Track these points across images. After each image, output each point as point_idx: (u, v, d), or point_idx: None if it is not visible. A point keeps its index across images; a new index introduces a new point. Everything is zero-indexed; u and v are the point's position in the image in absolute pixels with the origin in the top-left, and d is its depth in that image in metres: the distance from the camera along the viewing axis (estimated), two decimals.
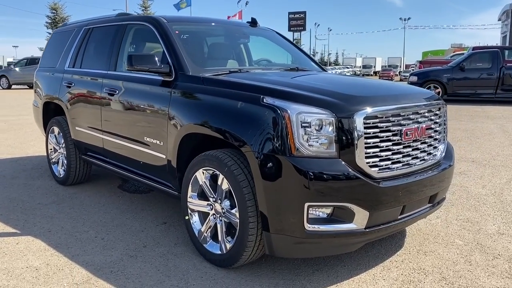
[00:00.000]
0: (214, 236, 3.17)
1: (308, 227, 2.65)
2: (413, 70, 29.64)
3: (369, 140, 2.72)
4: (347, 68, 71.80)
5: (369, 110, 2.71)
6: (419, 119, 3.02)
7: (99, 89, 4.27)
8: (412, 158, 3.00)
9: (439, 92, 15.55)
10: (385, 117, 2.79)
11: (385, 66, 79.55)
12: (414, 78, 16.05)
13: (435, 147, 3.24)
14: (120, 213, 4.26)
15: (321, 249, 2.85)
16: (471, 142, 8.13)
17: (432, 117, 3.17)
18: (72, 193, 4.90)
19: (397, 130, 2.85)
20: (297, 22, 78.03)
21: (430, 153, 3.17)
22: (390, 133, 2.81)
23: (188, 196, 3.28)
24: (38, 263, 3.18)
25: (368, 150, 2.72)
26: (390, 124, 2.81)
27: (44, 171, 5.81)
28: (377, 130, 2.75)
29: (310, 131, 2.64)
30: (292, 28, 78.77)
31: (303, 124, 2.63)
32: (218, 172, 2.99)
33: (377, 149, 2.76)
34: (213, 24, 4.33)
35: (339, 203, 2.66)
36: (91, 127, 4.51)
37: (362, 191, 2.67)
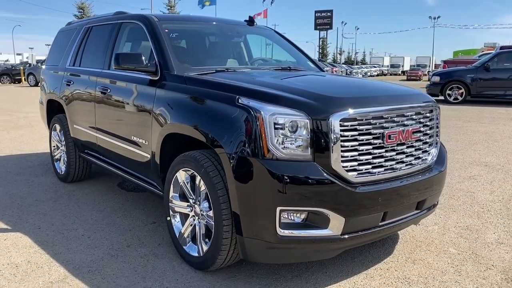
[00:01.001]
0: (194, 238, 3.13)
1: (281, 231, 2.57)
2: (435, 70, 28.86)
3: (346, 143, 2.61)
4: (374, 67, 70.77)
5: (346, 112, 2.60)
6: (405, 122, 2.89)
7: (94, 88, 4.29)
8: (397, 163, 2.87)
9: (462, 93, 15.10)
10: (365, 120, 2.68)
11: (414, 66, 77.90)
12: (436, 78, 15.62)
13: (425, 151, 3.10)
14: (113, 211, 4.27)
15: (296, 255, 2.76)
16: (488, 145, 7.83)
17: (422, 120, 3.04)
18: (71, 190, 4.95)
19: (379, 133, 2.73)
20: (324, 20, 77.41)
21: (418, 158, 3.04)
22: (370, 136, 2.70)
23: (170, 197, 3.24)
24: (20, 260, 3.20)
25: (346, 154, 2.62)
26: (370, 126, 2.69)
27: (49, 168, 5.89)
28: (356, 133, 2.64)
29: (284, 133, 2.56)
30: (318, 27, 78.24)
31: (276, 126, 2.55)
32: (196, 173, 2.94)
33: (356, 153, 2.65)
34: (207, 23, 4.28)
35: (313, 208, 2.56)
36: (86, 125, 4.54)
37: (337, 196, 2.57)
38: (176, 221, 3.25)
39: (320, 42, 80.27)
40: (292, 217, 2.60)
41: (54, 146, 5.49)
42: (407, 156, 2.93)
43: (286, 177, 2.51)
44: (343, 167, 2.61)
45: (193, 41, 4.08)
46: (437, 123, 3.21)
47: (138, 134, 3.61)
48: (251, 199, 2.60)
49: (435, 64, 78.35)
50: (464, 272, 3.08)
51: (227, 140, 2.69)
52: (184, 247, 3.15)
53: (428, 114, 3.11)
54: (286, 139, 2.56)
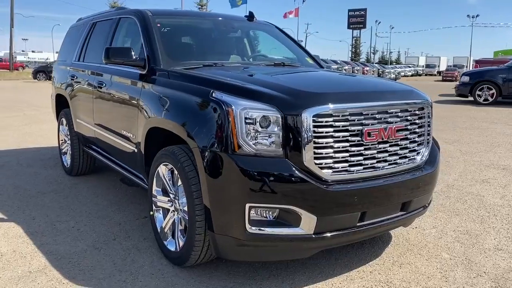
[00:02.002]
0: (174, 233, 3.10)
1: (250, 228, 2.51)
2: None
3: (321, 140, 2.52)
4: (409, 67, 69.20)
5: (320, 107, 2.51)
6: (389, 119, 2.77)
7: (92, 82, 4.35)
8: (379, 161, 2.76)
9: (493, 94, 14.53)
10: (342, 116, 2.58)
11: (450, 66, 75.75)
12: (466, 79, 15.09)
13: (413, 151, 2.96)
14: (109, 205, 4.31)
15: (268, 253, 2.70)
16: (511, 148, 7.49)
17: (409, 118, 2.90)
18: (74, 183, 5.03)
19: (357, 130, 2.63)
20: (357, 19, 76.43)
21: (405, 157, 2.91)
22: (347, 133, 2.60)
23: (153, 191, 3.24)
24: (6, 249, 3.27)
25: (320, 151, 2.53)
26: (348, 123, 2.59)
27: (59, 161, 6.00)
28: (331, 129, 2.55)
29: (255, 128, 2.50)
30: (351, 26, 77.33)
31: (247, 121, 2.49)
32: (174, 168, 2.92)
33: (331, 150, 2.56)
34: (203, 18, 4.26)
35: (283, 205, 2.49)
36: (86, 120, 4.61)
37: (308, 194, 2.49)
38: (158, 215, 3.24)
39: (353, 41, 79.24)
40: (262, 214, 2.54)
41: (62, 140, 5.61)
42: (390, 155, 2.81)
43: (256, 174, 2.46)
44: (316, 164, 2.53)
45: (186, 36, 4.06)
46: (429, 122, 3.07)
47: (126, 128, 3.63)
48: (221, 194, 2.56)
49: (473, 65, 75.92)
50: (452, 278, 2.93)
51: (199, 134, 2.65)
52: (164, 242, 3.13)
53: (417, 112, 2.97)
54: (257, 134, 2.50)
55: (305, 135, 2.48)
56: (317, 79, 3.37)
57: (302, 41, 79.07)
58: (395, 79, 46.37)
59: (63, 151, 5.55)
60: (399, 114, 2.84)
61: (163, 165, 3.05)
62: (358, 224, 2.68)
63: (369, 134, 2.65)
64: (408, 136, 2.91)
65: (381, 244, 3.46)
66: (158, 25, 3.72)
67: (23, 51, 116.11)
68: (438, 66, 76.73)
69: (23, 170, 5.58)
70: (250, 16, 4.48)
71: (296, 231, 2.53)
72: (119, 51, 3.48)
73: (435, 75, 68.12)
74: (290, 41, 4.52)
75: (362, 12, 75.07)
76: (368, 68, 41.54)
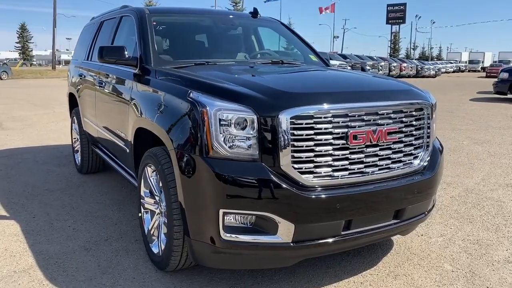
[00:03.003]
0: (159, 237, 3.03)
1: (225, 235, 2.40)
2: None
3: (300, 143, 2.37)
4: (451, 63, 66.88)
5: (298, 109, 2.36)
6: (379, 121, 2.58)
7: (95, 82, 4.35)
8: (368, 166, 2.58)
9: None
10: (325, 118, 2.42)
11: (495, 62, 72.56)
12: (505, 75, 14.35)
13: (409, 154, 2.76)
14: (111, 204, 4.30)
15: (246, 261, 2.57)
16: None
17: (404, 119, 2.70)
18: (83, 182, 5.07)
19: (342, 133, 2.46)
20: (396, 14, 74.59)
21: (400, 161, 2.71)
22: (330, 136, 2.43)
23: (141, 193, 3.18)
24: None
25: (299, 155, 2.38)
26: (330, 125, 2.43)
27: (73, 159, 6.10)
28: (312, 132, 2.39)
29: (230, 130, 2.38)
30: (390, 21, 75.54)
31: (222, 122, 2.37)
32: (156, 170, 2.84)
33: (312, 154, 2.41)
34: (203, 15, 4.16)
35: (259, 212, 2.36)
36: (91, 119, 4.62)
37: (285, 200, 2.35)
38: (147, 217, 3.18)
39: (392, 37, 77.39)
40: (238, 220, 2.41)
41: (74, 138, 5.68)
42: (382, 159, 2.63)
43: (230, 178, 2.34)
44: (296, 169, 2.38)
45: (182, 34, 3.97)
46: (428, 123, 2.85)
47: (121, 127, 3.59)
48: (195, 199, 2.46)
49: None
50: None
51: (176, 136, 2.56)
52: (150, 245, 3.07)
53: (414, 113, 2.76)
54: (232, 136, 2.38)
55: (282, 138, 2.34)
56: (307, 78, 3.20)
57: (338, 37, 77.84)
58: (435, 76, 44.84)
59: (76, 149, 5.62)
60: (392, 115, 2.64)
61: (148, 166, 2.99)
62: (343, 233, 2.52)
63: (354, 137, 2.48)
64: (403, 139, 2.71)
65: (380, 252, 3.27)
66: (154, 23, 3.66)
67: (67, 49, 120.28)
68: (482, 62, 73.69)
69: (38, 167, 5.69)
70: (254, 13, 4.35)
71: (273, 239, 2.40)
72: (112, 50, 3.44)
73: (478, 71, 65.54)
74: (295, 38, 4.35)
75: (401, 7, 73.13)
76: (405, 65, 40.34)
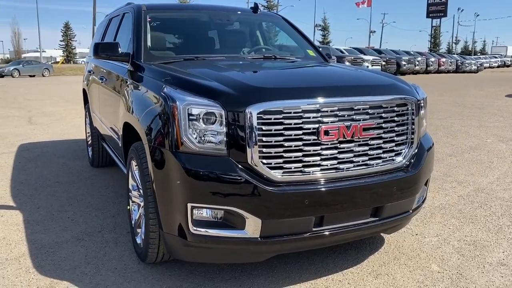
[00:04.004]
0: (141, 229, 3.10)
1: (193, 229, 2.42)
2: None
3: (268, 138, 2.36)
4: (495, 57, 64.31)
5: (266, 103, 2.35)
6: (354, 117, 2.53)
7: (98, 77, 4.47)
8: (342, 162, 2.53)
9: None
10: (294, 113, 2.39)
11: None
12: None
13: (389, 151, 2.69)
14: (114, 197, 4.42)
15: (216, 256, 2.59)
16: None
17: (383, 115, 2.63)
18: (93, 175, 5.23)
19: (313, 129, 2.42)
20: (437, 7, 72.16)
21: (379, 158, 2.65)
22: (300, 132, 2.40)
23: (129, 186, 3.25)
24: None
25: (268, 150, 2.37)
26: (300, 121, 2.40)
27: None
28: (281, 127, 2.37)
29: (199, 125, 2.39)
30: (431, 14, 73.18)
31: (190, 117, 2.39)
32: (137, 164, 2.90)
33: (281, 149, 2.39)
34: (201, 11, 4.17)
35: (226, 207, 2.38)
36: (98, 114, 4.76)
37: (252, 195, 2.34)
38: (134, 210, 3.25)
39: (432, 31, 75.03)
40: (207, 214, 2.43)
41: (88, 132, 5.85)
42: (358, 156, 2.57)
43: (197, 172, 2.36)
44: (264, 164, 2.37)
45: (176, 30, 4.00)
46: (412, 119, 2.77)
47: (115, 122, 3.68)
48: (166, 193, 2.49)
49: None
50: None
51: (150, 130, 2.61)
52: (136, 237, 3.13)
53: (396, 109, 2.69)
54: (200, 131, 2.39)
55: (250, 133, 2.34)
56: (287, 73, 3.17)
57: (375, 31, 76.14)
58: (477, 71, 43.22)
59: (89, 143, 5.80)
60: (369, 111, 2.58)
61: (132, 160, 3.05)
62: (314, 230, 2.49)
63: (326, 133, 2.44)
64: (382, 135, 2.64)
65: (368, 250, 3.21)
66: (149, 19, 3.72)
67: None
68: None
69: (54, 160, 5.90)
70: (255, 8, 4.34)
71: (241, 233, 2.40)
72: (106, 46, 3.52)
73: None
74: (296, 33, 4.30)
75: (442, 0, 70.68)
76: (444, 60, 39.13)
